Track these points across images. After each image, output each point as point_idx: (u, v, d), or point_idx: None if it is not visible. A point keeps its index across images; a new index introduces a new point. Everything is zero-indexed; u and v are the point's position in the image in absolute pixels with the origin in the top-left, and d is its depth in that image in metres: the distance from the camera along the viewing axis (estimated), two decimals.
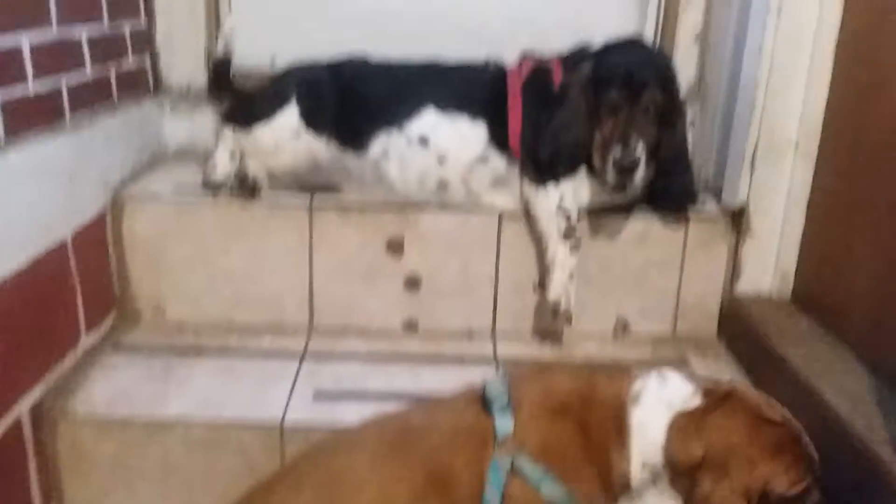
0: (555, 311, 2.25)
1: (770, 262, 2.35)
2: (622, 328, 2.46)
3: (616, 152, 2.08)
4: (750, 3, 2.28)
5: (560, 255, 2.25)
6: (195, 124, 2.77)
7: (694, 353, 2.39)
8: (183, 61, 2.80)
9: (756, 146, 2.26)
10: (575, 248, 2.25)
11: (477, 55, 2.52)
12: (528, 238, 2.37)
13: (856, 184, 2.06)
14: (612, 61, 2.21)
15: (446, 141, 2.32)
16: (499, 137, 2.32)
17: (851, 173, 2.10)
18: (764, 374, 2.17)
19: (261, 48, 2.73)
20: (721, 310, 2.43)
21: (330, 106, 2.39)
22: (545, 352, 2.37)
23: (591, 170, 2.27)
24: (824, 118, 2.20)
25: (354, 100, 2.39)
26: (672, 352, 2.39)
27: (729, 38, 2.47)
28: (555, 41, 2.53)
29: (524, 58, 2.47)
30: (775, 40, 2.17)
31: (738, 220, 2.35)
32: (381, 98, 2.39)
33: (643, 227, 2.37)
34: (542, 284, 2.39)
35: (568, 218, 2.25)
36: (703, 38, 2.71)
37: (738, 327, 2.36)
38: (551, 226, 2.26)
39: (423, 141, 2.32)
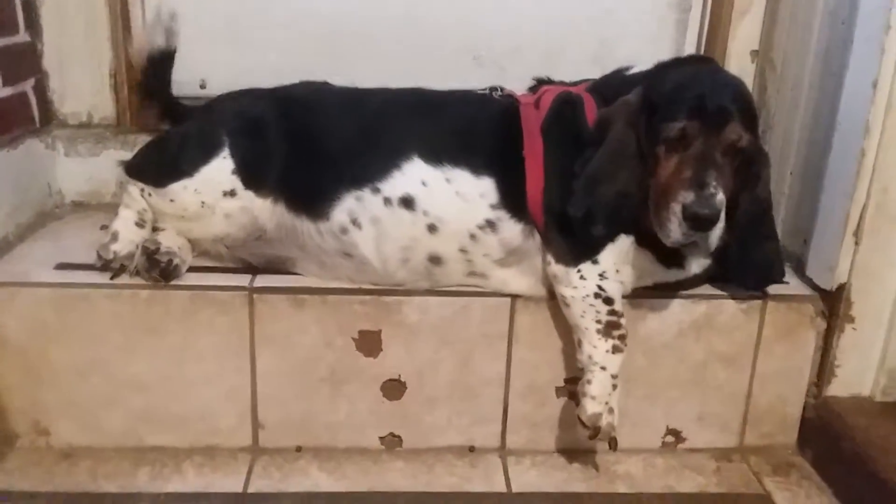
0: (593, 432, 1.61)
1: (874, 356, 1.77)
2: (674, 442, 1.83)
3: (687, 198, 1.46)
4: (850, 14, 1.66)
5: (599, 356, 1.63)
6: (99, 168, 2.08)
7: (770, 474, 1.78)
8: (80, 86, 2.11)
9: (864, 210, 1.65)
10: (619, 347, 1.62)
11: (473, 82, 1.88)
12: (548, 325, 1.74)
13: None
14: (676, 84, 1.58)
15: (439, 203, 1.69)
16: (512, 196, 1.69)
17: None
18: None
19: (186, 68, 2.05)
20: (805, 417, 1.83)
21: (276, 154, 1.75)
22: (574, 478, 1.73)
23: (641, 236, 1.64)
24: None
25: (310, 145, 1.75)
26: (740, 473, 1.77)
27: (809, 59, 1.86)
28: (567, 67, 1.96)
29: (540, 86, 1.83)
30: None
31: (833, 302, 1.75)
32: (348, 143, 1.75)
33: (706, 311, 1.75)
34: (569, 391, 1.76)
35: (610, 305, 1.62)
36: (764, 57, 2.09)
37: (828, 441, 1.77)
38: (587, 316, 1.63)
39: (408, 203, 1.68)
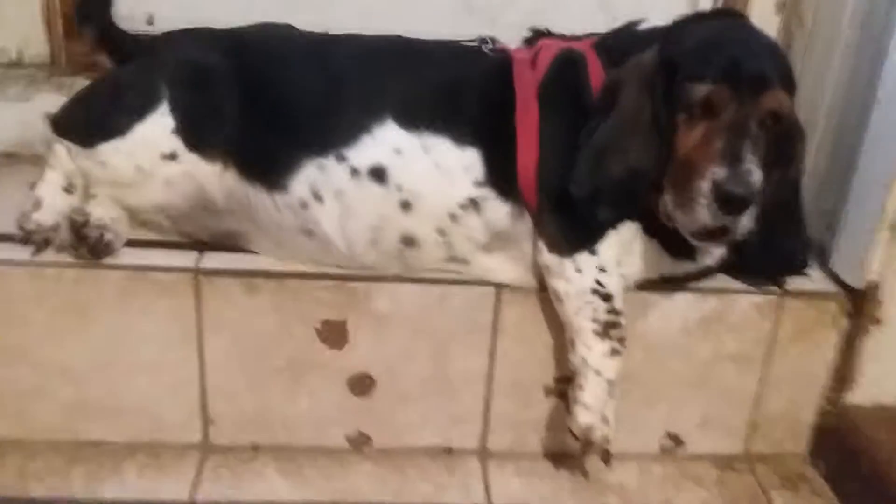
0: (585, 442, 1.42)
1: None
2: (673, 447, 1.65)
3: (719, 174, 1.22)
4: None
5: (594, 359, 1.42)
6: (31, 113, 1.81)
7: (778, 487, 1.61)
8: (7, 18, 1.82)
9: None
10: (617, 349, 1.41)
11: (461, 30, 1.62)
12: (538, 317, 1.53)
13: None
14: (702, 40, 1.34)
15: (415, 175, 1.45)
16: (500, 171, 1.45)
17: None
18: None
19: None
20: (819, 426, 1.65)
21: (226, 111, 1.49)
22: (562, 488, 1.55)
23: (648, 222, 1.42)
24: None
25: (267, 102, 1.49)
26: (745, 486, 1.60)
27: (846, 17, 1.61)
28: (567, 20, 1.69)
29: (537, 39, 1.57)
30: None
31: (859, 301, 1.54)
32: (312, 100, 1.49)
33: (715, 306, 1.54)
34: (559, 390, 1.56)
35: (609, 302, 1.40)
36: (792, 11, 1.83)
37: (844, 453, 1.60)
38: (582, 314, 1.42)
39: (378, 175, 1.44)
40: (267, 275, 1.48)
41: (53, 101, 1.71)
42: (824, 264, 1.63)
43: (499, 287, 1.52)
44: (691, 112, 1.29)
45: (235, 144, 1.48)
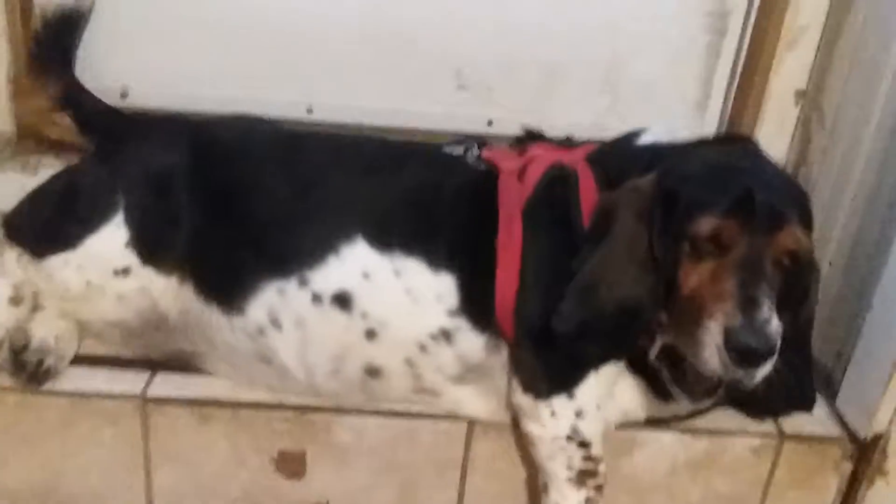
0: None
1: None
2: None
3: (733, 321, 1.08)
4: None
5: (566, 502, 1.29)
6: None
7: None
8: None
9: None
10: (594, 500, 1.31)
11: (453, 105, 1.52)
12: (511, 453, 1.42)
13: None
14: (709, 165, 1.22)
15: (384, 303, 1.33)
16: (477, 299, 1.32)
17: None
18: None
19: (104, 73, 1.66)
20: None
21: (185, 219, 1.37)
22: None
23: (632, 360, 1.29)
24: None
25: (229, 209, 1.38)
26: None
27: (874, 117, 1.46)
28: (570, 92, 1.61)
29: (528, 143, 1.43)
30: None
31: (865, 450, 1.40)
32: (275, 210, 1.37)
33: (707, 447, 1.42)
34: None
35: (586, 449, 1.29)
36: (812, 104, 1.68)
37: None
38: (556, 461, 1.31)
39: (343, 301, 1.32)
40: (220, 404, 1.37)
41: (19, 182, 1.60)
42: (830, 398, 1.49)
43: (470, 422, 1.39)
44: (696, 245, 1.15)
45: (193, 256, 1.36)
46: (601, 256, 1.23)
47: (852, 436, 1.41)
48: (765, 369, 1.10)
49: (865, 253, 1.44)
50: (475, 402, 1.39)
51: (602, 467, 1.31)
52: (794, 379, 1.30)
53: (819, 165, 1.62)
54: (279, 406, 1.38)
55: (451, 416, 1.40)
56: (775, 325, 1.08)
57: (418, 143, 1.50)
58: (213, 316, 1.36)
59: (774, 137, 1.69)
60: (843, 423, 1.44)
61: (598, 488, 1.30)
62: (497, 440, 1.41)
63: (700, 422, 1.43)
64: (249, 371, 1.38)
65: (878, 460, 1.39)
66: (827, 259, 1.55)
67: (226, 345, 1.37)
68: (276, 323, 1.34)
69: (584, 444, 1.29)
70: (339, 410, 1.38)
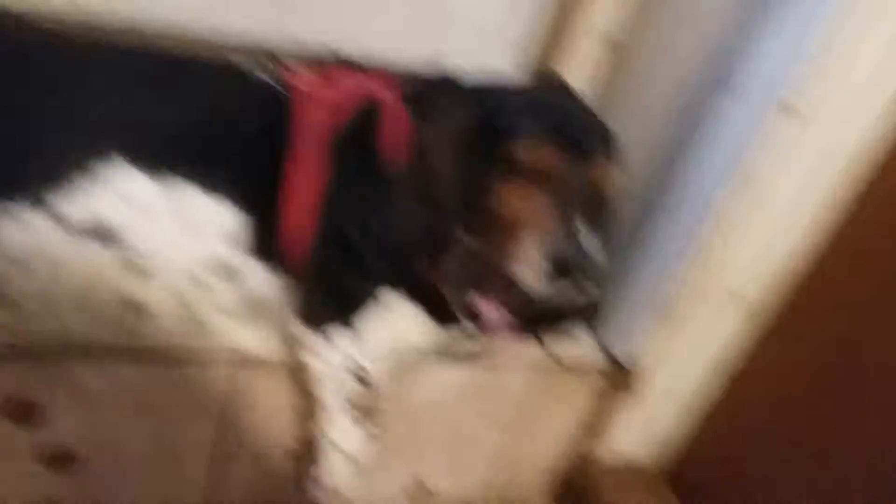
0: None
1: (650, 428, 1.58)
2: (418, 492, 1.57)
3: (555, 242, 1.08)
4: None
5: (338, 435, 1.28)
6: None
7: None
8: None
9: (686, 290, 1.37)
10: (365, 425, 1.27)
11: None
12: (281, 390, 1.31)
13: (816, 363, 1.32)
14: (529, 98, 1.19)
15: (148, 230, 1.11)
16: (260, 228, 1.16)
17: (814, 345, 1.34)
18: None
19: None
20: (562, 476, 1.64)
21: None
22: None
23: (412, 287, 1.23)
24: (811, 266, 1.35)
25: None
26: None
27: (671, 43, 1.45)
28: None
29: (332, 69, 1.24)
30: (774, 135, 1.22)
31: (624, 376, 1.50)
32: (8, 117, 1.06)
33: (482, 375, 1.43)
34: (302, 454, 1.38)
35: (362, 379, 1.24)
36: (621, 51, 1.63)
37: (581, 499, 1.60)
38: (331, 391, 1.25)
39: (97, 229, 1.09)
40: None
41: None
42: (594, 330, 1.55)
43: (235, 366, 1.26)
44: (514, 172, 1.12)
45: None
46: (414, 186, 1.15)
47: (612, 361, 1.49)
48: (590, 286, 1.10)
49: (645, 197, 1.46)
50: (253, 340, 1.25)
51: (379, 398, 1.26)
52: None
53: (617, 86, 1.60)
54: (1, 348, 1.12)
55: (216, 360, 1.24)
56: (595, 244, 1.09)
57: (201, 56, 1.23)
58: None
59: (581, 78, 1.63)
60: (605, 350, 1.51)
61: (369, 415, 1.27)
62: (266, 378, 1.29)
63: (479, 357, 1.42)
64: None
65: (633, 383, 1.49)
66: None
67: None
68: (5, 256, 1.06)
69: (361, 376, 1.23)
70: (84, 354, 1.16)
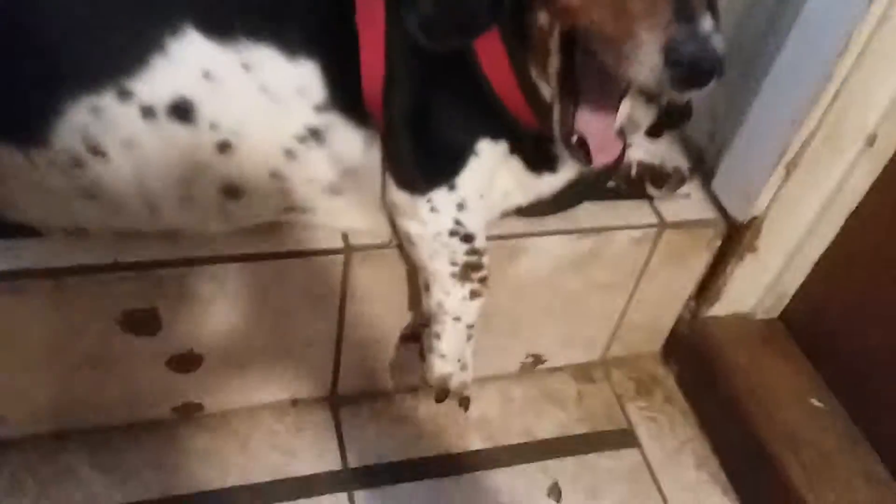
0: (441, 394, 1.31)
1: (766, 280, 1.51)
2: (532, 363, 1.57)
3: (675, 33, 0.89)
4: None
5: (452, 304, 1.23)
6: None
7: (633, 397, 1.62)
8: None
9: (809, 139, 1.25)
10: (478, 291, 1.23)
11: None
12: (393, 274, 1.29)
13: None
14: None
15: (235, 106, 1.06)
16: (347, 88, 1.09)
17: None
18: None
19: None
20: (675, 331, 1.62)
21: None
22: (422, 433, 1.47)
23: (513, 136, 1.16)
24: None
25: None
26: (602, 399, 1.59)
27: None
28: None
29: None
30: None
31: (739, 231, 1.42)
32: (69, 6, 1.01)
33: (591, 246, 1.38)
34: (415, 335, 1.39)
35: (470, 242, 1.19)
36: None
37: (694, 356, 1.59)
38: (439, 258, 1.20)
39: (182, 111, 1.04)
40: (32, 274, 1.10)
41: None
42: (707, 179, 1.46)
43: (347, 252, 1.23)
44: None
45: None
46: None
47: (728, 218, 1.40)
48: (709, 88, 0.93)
49: (754, 30, 1.32)
50: (352, 211, 1.22)
51: (486, 259, 1.21)
52: None
53: None
54: (115, 266, 1.12)
55: (325, 251, 1.22)
56: (719, 39, 0.90)
57: None
58: (7, 154, 1.04)
59: None
60: (719, 207, 1.42)
61: (483, 280, 1.22)
62: (378, 263, 1.27)
63: (584, 221, 1.35)
64: (70, 211, 1.10)
65: (749, 238, 1.41)
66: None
67: (32, 185, 1.07)
68: (95, 150, 1.04)
69: (468, 238, 1.18)
70: (189, 262, 1.15)
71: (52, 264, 1.10)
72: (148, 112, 1.03)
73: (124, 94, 1.02)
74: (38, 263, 1.10)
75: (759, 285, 1.50)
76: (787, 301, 1.54)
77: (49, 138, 1.02)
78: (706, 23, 0.89)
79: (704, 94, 0.91)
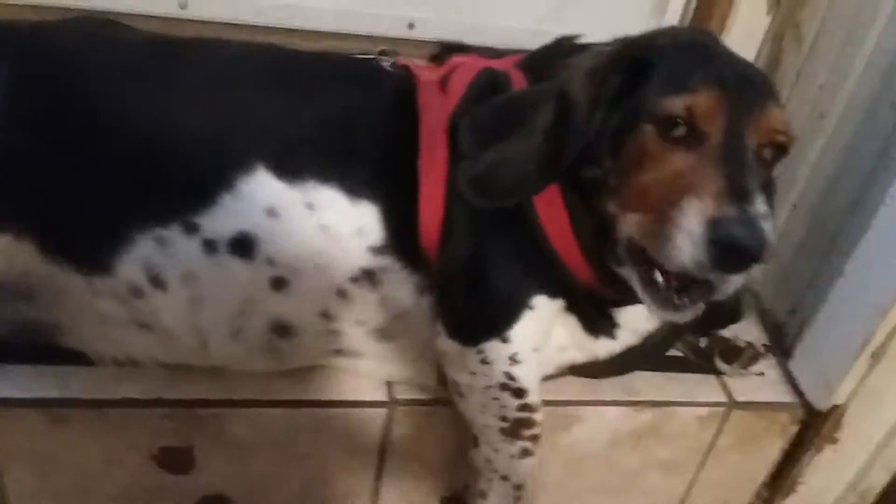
0: None
1: (848, 477, 1.36)
2: None
3: (724, 211, 0.86)
4: None
5: (501, 462, 1.15)
6: None
7: None
8: None
9: None
10: (529, 450, 1.14)
11: None
12: (436, 431, 1.23)
13: None
14: (677, 42, 1.01)
15: (294, 243, 1.06)
16: (404, 231, 1.07)
17: None
18: None
19: None
20: None
21: (10, 154, 1.01)
22: None
23: (571, 294, 1.10)
24: None
25: (73, 139, 1.03)
26: None
27: (868, 43, 1.23)
28: None
29: (447, 56, 1.16)
30: None
31: (819, 420, 1.30)
32: (143, 139, 1.04)
33: (651, 419, 1.28)
34: (460, 500, 1.30)
35: (522, 398, 1.12)
36: (788, 18, 1.42)
37: None
38: (489, 412, 1.13)
39: (243, 247, 1.04)
40: (77, 404, 1.10)
41: None
42: (781, 355, 1.36)
43: (391, 405, 1.19)
44: (663, 126, 0.93)
45: (30, 205, 1.03)
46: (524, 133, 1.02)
47: (806, 403, 1.29)
48: (747, 275, 0.89)
49: (838, 206, 1.26)
50: (399, 360, 1.18)
51: (539, 416, 1.13)
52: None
53: (790, 90, 1.39)
54: (154, 402, 1.12)
55: (365, 403, 1.18)
56: (770, 225, 0.86)
57: (322, 52, 1.18)
58: (67, 278, 1.05)
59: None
60: (796, 391, 1.31)
61: (535, 438, 1.14)
62: (420, 419, 1.22)
63: (644, 393, 1.27)
64: (123, 341, 1.11)
65: (829, 429, 1.29)
66: (790, 201, 1.37)
67: (89, 312, 1.08)
68: (156, 281, 1.05)
69: (519, 393, 1.11)
70: (229, 404, 1.14)
71: (97, 395, 1.10)
72: (209, 246, 1.04)
73: (190, 228, 1.03)
74: (83, 393, 1.10)
75: (839, 481, 1.37)
76: (871, 501, 1.38)
77: (112, 266, 1.04)
78: (758, 205, 0.86)
79: (740, 282, 0.86)
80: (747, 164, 0.90)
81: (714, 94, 0.91)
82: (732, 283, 0.90)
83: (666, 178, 0.92)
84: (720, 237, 0.84)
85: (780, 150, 0.95)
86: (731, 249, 0.84)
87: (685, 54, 0.98)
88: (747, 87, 0.93)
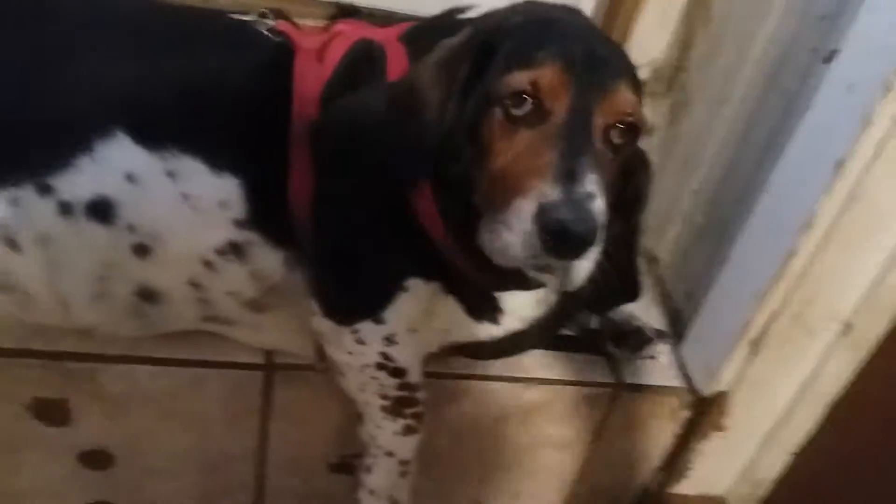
0: None
1: (738, 465, 1.36)
2: None
3: (548, 194, 0.84)
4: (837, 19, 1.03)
5: (384, 439, 1.17)
6: None
7: None
8: None
9: (774, 318, 1.14)
10: (413, 427, 1.16)
11: None
12: (321, 395, 1.22)
13: None
14: (530, 18, 0.97)
15: (156, 210, 1.04)
16: (271, 206, 1.06)
17: None
18: None
19: None
20: None
21: None
22: None
23: (449, 277, 1.09)
24: None
25: None
26: None
27: (763, 32, 1.22)
28: None
29: (337, 19, 1.14)
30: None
31: (705, 405, 1.29)
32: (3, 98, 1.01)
33: (539, 396, 1.28)
34: (348, 466, 1.30)
35: (400, 377, 1.12)
36: (694, 19, 1.41)
37: None
38: (369, 391, 1.14)
39: (102, 211, 1.03)
40: None
41: None
42: (676, 338, 1.36)
43: (270, 365, 1.19)
44: (511, 107, 0.91)
45: None
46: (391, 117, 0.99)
47: (693, 389, 1.29)
48: (586, 263, 0.86)
49: (732, 193, 1.26)
50: (276, 330, 1.17)
51: (421, 394, 1.15)
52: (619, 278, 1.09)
53: (697, 73, 1.38)
54: (24, 352, 1.11)
55: (242, 364, 1.18)
56: (599, 204, 0.84)
57: (198, 8, 1.16)
58: None
59: (653, 36, 1.41)
60: (685, 376, 1.31)
61: (418, 416, 1.15)
62: (303, 385, 1.21)
63: (532, 370, 1.27)
64: None
65: (715, 415, 1.29)
66: (692, 186, 1.37)
67: None
68: (10, 242, 1.03)
69: (397, 372, 1.11)
70: (101, 358, 1.13)
71: None
72: (66, 208, 1.01)
73: (44, 189, 1.01)
74: None
75: (731, 468, 1.37)
76: (764, 491, 1.38)
77: None
78: (586, 185, 0.83)
79: (582, 272, 0.84)
80: (585, 142, 0.87)
81: (558, 68, 0.88)
82: (577, 268, 0.87)
83: (509, 162, 0.90)
84: (545, 222, 0.82)
85: (631, 131, 0.92)
86: (557, 234, 0.82)
87: (533, 30, 0.94)
88: (599, 64, 0.90)
